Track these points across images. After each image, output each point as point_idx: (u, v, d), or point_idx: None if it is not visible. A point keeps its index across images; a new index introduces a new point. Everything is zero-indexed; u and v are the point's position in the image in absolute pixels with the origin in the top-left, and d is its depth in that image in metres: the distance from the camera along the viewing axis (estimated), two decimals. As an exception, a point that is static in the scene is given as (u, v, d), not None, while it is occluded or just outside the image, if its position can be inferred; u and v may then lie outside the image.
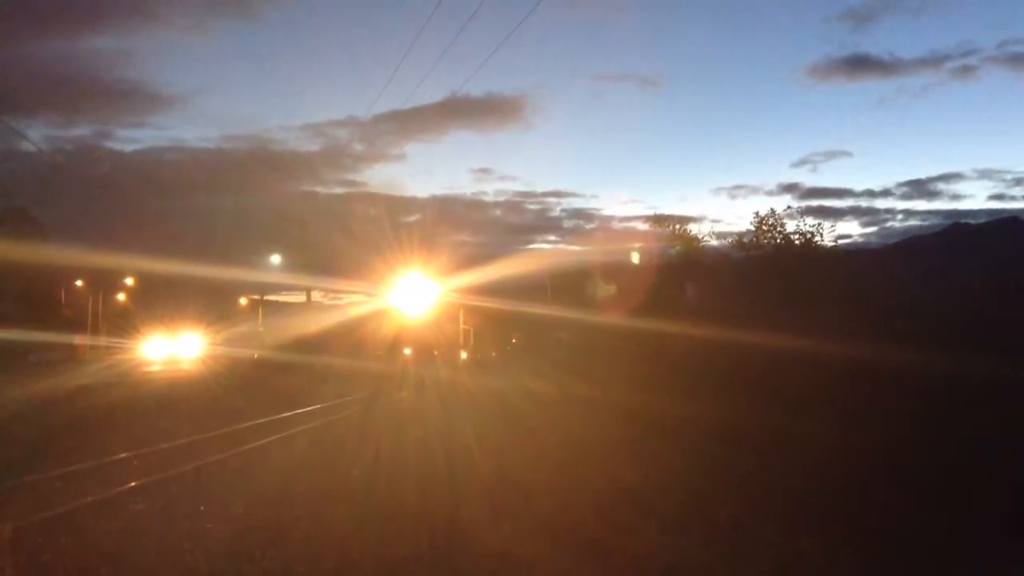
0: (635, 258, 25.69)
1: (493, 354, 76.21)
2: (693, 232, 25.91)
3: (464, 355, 57.04)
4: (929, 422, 11.35)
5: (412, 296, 35.85)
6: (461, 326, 58.00)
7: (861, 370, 13.94)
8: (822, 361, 14.66)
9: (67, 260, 56.50)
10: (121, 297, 71.83)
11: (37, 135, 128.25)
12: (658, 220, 26.72)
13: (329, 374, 35.55)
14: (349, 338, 44.98)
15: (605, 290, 26.29)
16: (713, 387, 15.62)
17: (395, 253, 35.15)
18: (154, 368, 43.29)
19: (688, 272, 24.74)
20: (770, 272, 21.84)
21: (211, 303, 66.99)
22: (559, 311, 30.08)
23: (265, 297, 74.67)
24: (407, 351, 40.51)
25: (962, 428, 11.01)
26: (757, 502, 9.54)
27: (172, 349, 51.16)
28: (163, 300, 66.01)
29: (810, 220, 22.12)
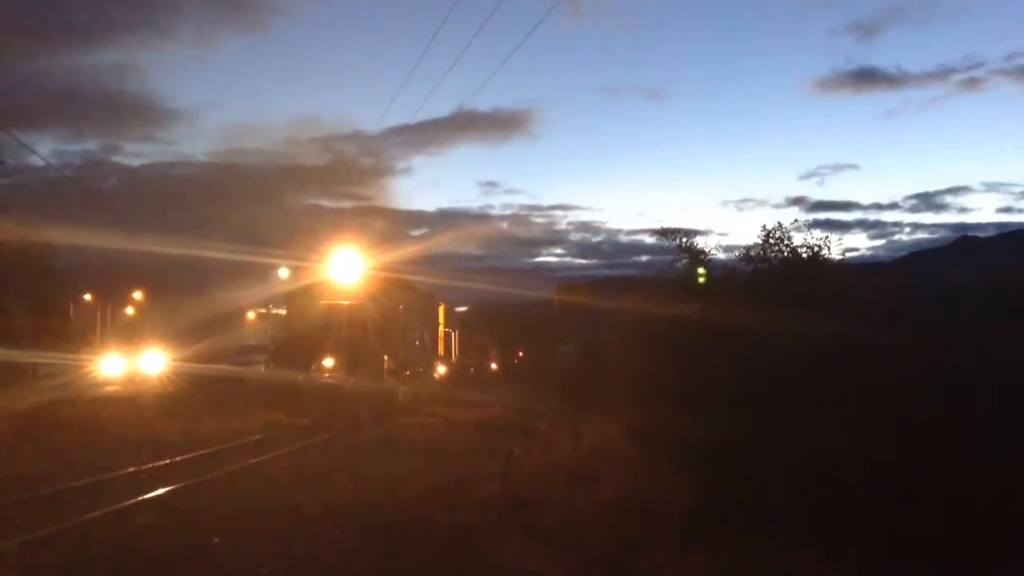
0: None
1: (494, 366, 73.56)
2: (700, 245, 25.74)
3: (442, 369, 46.09)
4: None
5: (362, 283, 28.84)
6: (441, 328, 46.51)
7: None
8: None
9: (74, 274, 56.57)
10: (129, 311, 72.08)
11: (45, 149, 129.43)
12: (664, 233, 26.58)
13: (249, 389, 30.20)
14: (290, 341, 37.15)
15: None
16: None
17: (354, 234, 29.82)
18: (104, 389, 36.80)
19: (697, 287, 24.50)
20: (777, 285, 21.74)
21: (208, 316, 64.72)
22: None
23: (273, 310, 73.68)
24: (340, 361, 29.58)
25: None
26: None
27: (134, 365, 45.13)
28: (156, 314, 64.38)
29: (817, 233, 22.09)
